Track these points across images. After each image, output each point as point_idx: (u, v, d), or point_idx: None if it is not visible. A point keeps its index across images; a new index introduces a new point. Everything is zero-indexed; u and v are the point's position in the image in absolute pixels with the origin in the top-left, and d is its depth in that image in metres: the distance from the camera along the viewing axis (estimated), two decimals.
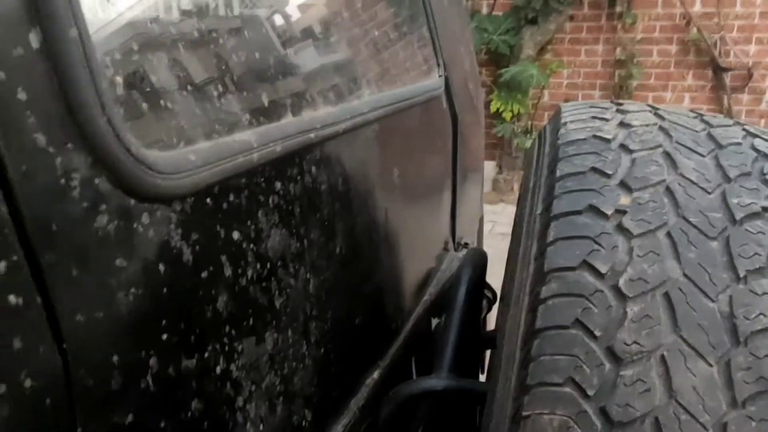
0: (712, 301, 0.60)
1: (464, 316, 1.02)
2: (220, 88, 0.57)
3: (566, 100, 5.63)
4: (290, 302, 0.66)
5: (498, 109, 5.48)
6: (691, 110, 0.90)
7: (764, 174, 0.71)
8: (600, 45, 5.46)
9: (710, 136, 0.78)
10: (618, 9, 5.26)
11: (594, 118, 0.83)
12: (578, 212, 0.68)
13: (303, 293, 0.69)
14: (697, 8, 5.10)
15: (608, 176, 0.71)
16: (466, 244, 1.47)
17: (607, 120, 0.82)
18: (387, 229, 0.99)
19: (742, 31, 5.05)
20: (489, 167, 5.58)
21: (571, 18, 5.46)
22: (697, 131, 0.79)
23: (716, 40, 5.04)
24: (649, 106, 0.88)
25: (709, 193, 0.68)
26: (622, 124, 0.80)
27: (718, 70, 5.11)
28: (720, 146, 0.76)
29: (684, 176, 0.70)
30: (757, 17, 5.00)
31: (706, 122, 0.82)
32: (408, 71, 1.18)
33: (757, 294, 0.60)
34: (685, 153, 0.74)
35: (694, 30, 5.10)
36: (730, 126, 0.82)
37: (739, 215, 0.66)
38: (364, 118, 0.84)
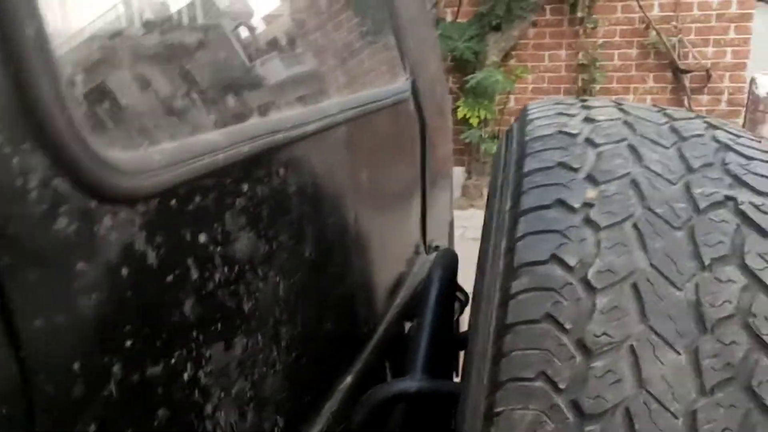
0: (679, 290, 0.60)
1: (436, 318, 1.02)
2: (186, 88, 0.56)
3: None
4: (259, 306, 0.65)
5: (465, 116, 5.51)
6: (654, 105, 0.91)
7: (726, 164, 0.72)
8: (563, 50, 5.54)
9: (673, 129, 0.79)
10: (579, 14, 5.35)
11: (560, 114, 0.84)
12: (546, 207, 0.68)
13: (273, 297, 0.68)
14: (655, 12, 5.22)
15: (575, 170, 0.72)
16: (437, 248, 1.48)
17: (572, 116, 0.83)
18: (357, 233, 0.99)
19: (700, 33, 5.18)
20: (458, 173, 5.61)
21: (534, 24, 5.54)
22: (660, 124, 0.80)
23: (675, 43, 5.16)
24: (613, 101, 0.89)
25: (674, 184, 0.69)
26: (587, 120, 0.81)
27: (678, 72, 5.22)
28: (683, 138, 0.77)
29: (649, 168, 0.71)
30: (714, 20, 5.13)
31: (669, 116, 0.84)
32: (374, 74, 1.18)
33: (722, 281, 0.61)
34: (649, 145, 0.75)
35: (653, 33, 5.21)
36: (692, 119, 0.83)
37: (702, 204, 0.67)
38: (333, 119, 0.84)
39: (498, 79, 5.30)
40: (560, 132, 0.78)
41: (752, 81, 5.22)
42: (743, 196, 0.68)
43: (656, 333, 0.58)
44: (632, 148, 0.74)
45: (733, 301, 0.59)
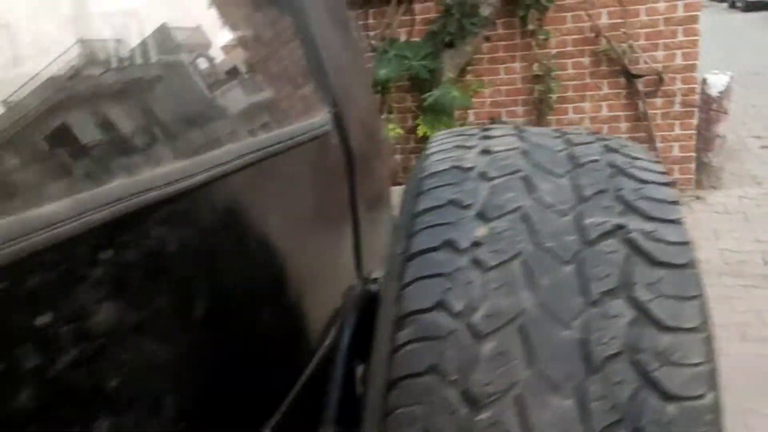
0: (567, 328, 0.58)
1: (349, 363, 0.99)
2: (27, 151, 0.53)
3: (491, 118, 5.73)
4: (134, 381, 0.61)
5: (425, 133, 5.52)
6: (556, 129, 0.90)
7: (619, 190, 0.71)
8: (517, 62, 5.59)
9: (570, 156, 0.78)
10: (530, 27, 5.40)
11: (458, 147, 0.82)
12: (435, 249, 0.66)
13: (153, 367, 0.64)
14: (604, 20, 5.29)
15: (466, 207, 0.70)
16: (375, 280, 1.45)
17: (470, 148, 0.81)
18: (275, 279, 0.95)
19: (649, 38, 5.25)
20: None
21: (488, 39, 5.58)
22: (557, 151, 0.79)
23: (625, 49, 5.23)
24: (515, 128, 0.88)
25: (565, 215, 0.68)
26: (484, 152, 0.79)
27: (630, 77, 5.29)
28: (579, 165, 0.76)
29: (541, 200, 0.70)
30: (662, 24, 5.21)
31: (568, 141, 0.82)
32: (284, 112, 1.15)
33: (609, 317, 0.59)
34: (543, 176, 0.73)
35: (604, 41, 5.27)
36: (590, 143, 0.82)
37: (592, 235, 0.65)
38: (227, 167, 0.81)
39: (455, 95, 5.33)
40: (455, 167, 0.76)
41: (704, 81, 5.31)
42: (633, 224, 0.66)
43: (543, 377, 0.56)
44: (526, 180, 0.72)
45: (621, 337, 0.57)
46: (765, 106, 7.99)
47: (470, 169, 0.75)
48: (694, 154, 5.40)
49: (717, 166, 5.43)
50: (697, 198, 5.32)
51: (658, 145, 5.37)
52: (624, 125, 5.48)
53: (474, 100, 5.68)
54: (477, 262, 0.63)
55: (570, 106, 5.56)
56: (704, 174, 5.45)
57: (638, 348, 0.56)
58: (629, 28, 5.21)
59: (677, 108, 5.34)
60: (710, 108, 5.27)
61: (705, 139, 5.35)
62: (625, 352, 0.56)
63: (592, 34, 5.33)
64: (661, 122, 5.38)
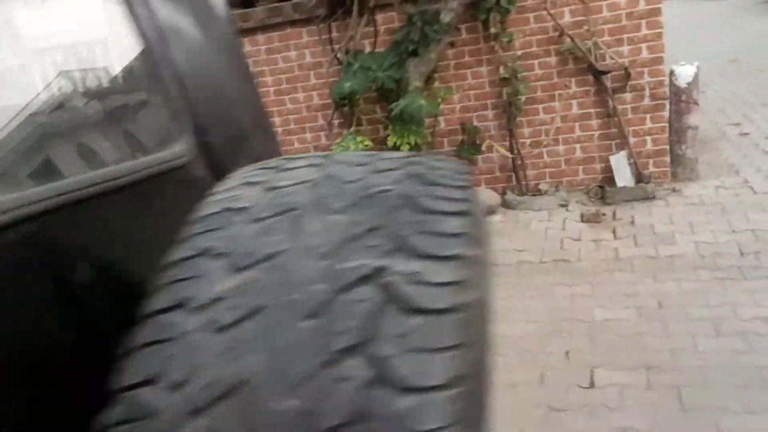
0: (292, 397, 0.51)
1: None
2: None
3: (461, 124, 5.67)
4: None
5: (395, 143, 5.46)
6: (371, 153, 0.83)
7: (397, 225, 0.64)
8: (483, 66, 5.54)
9: (361, 187, 0.70)
10: (493, 30, 5.35)
11: (246, 183, 0.75)
12: (167, 309, 0.59)
13: None
14: (566, 19, 5.24)
15: (219, 257, 0.63)
16: None
17: (257, 184, 0.74)
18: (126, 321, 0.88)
19: (613, 34, 5.20)
20: None
21: (452, 44, 5.53)
22: (348, 182, 0.71)
23: (590, 47, 5.17)
24: (323, 156, 0.81)
25: (323, 260, 0.60)
26: (270, 188, 0.72)
27: (598, 74, 5.23)
28: (364, 197, 0.68)
29: (303, 243, 0.62)
30: (624, 18, 5.15)
31: (371, 168, 0.75)
32: (123, 148, 1.08)
33: (341, 380, 0.52)
34: (317, 214, 0.66)
35: (568, 40, 5.21)
36: (395, 170, 0.74)
37: (344, 282, 0.58)
38: (19, 213, 0.74)
39: (421, 103, 5.26)
40: (226, 209, 0.69)
41: (671, 73, 5.25)
42: (398, 265, 0.59)
43: None
44: (295, 220, 0.65)
45: (349, 404, 0.50)
46: (743, 93, 7.92)
47: (242, 210, 0.68)
48: (667, 146, 5.32)
49: (692, 158, 5.35)
50: (674, 191, 5.25)
51: (631, 140, 5.30)
52: (595, 122, 5.41)
53: (443, 106, 5.63)
54: (210, 323, 0.56)
55: (540, 106, 5.50)
56: (679, 166, 5.37)
57: (369, 415, 0.49)
58: (592, 25, 5.15)
59: (647, 102, 5.27)
60: (680, 99, 5.20)
61: (677, 131, 5.27)
62: (355, 422, 0.49)
63: (556, 34, 5.28)
64: (632, 117, 5.31)
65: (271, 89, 6.03)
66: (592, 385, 3.08)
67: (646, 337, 3.36)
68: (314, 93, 5.96)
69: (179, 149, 1.16)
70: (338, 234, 0.63)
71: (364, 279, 0.57)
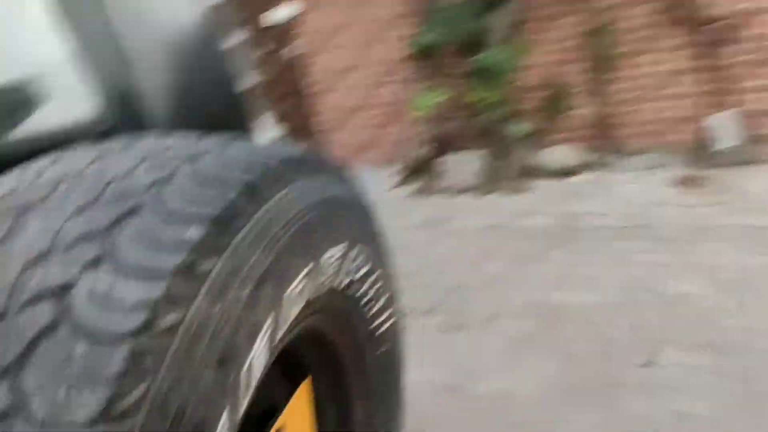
0: None
1: None
2: None
3: (546, 79, 5.40)
4: None
5: (474, 99, 5.29)
6: (154, 141, 0.75)
7: (114, 228, 0.57)
8: (571, 17, 5.21)
9: (101, 187, 0.63)
10: None
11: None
12: None
13: None
14: None
15: None
16: None
17: (25, 178, 0.67)
18: None
19: None
20: (475, 157, 5.44)
21: None
22: (97, 180, 0.64)
23: None
24: (98, 149, 0.73)
25: (21, 272, 0.54)
26: (23, 181, 0.66)
27: (698, 25, 4.79)
28: (95, 199, 0.61)
29: (12, 248, 0.57)
30: None
31: (137, 161, 0.68)
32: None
33: None
34: (46, 214, 0.60)
35: None
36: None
37: (22, 300, 0.52)
38: None
39: (504, 57, 5.05)
40: None
41: None
42: (90, 280, 0.52)
43: None
44: (20, 219, 0.59)
45: None
46: None
47: None
48: None
49: None
50: None
51: (734, 98, 4.85)
52: (694, 78, 4.99)
53: (527, 61, 5.36)
54: None
55: (632, 60, 5.12)
56: None
57: None
58: None
59: (753, 56, 4.78)
60: None
61: None
62: None
63: None
64: (736, 73, 4.84)
65: (358, 41, 5.99)
66: (653, 363, 2.91)
67: (719, 315, 3.12)
68: (398, 46, 5.86)
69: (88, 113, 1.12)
70: (46, 241, 0.57)
71: (46, 296, 0.52)
